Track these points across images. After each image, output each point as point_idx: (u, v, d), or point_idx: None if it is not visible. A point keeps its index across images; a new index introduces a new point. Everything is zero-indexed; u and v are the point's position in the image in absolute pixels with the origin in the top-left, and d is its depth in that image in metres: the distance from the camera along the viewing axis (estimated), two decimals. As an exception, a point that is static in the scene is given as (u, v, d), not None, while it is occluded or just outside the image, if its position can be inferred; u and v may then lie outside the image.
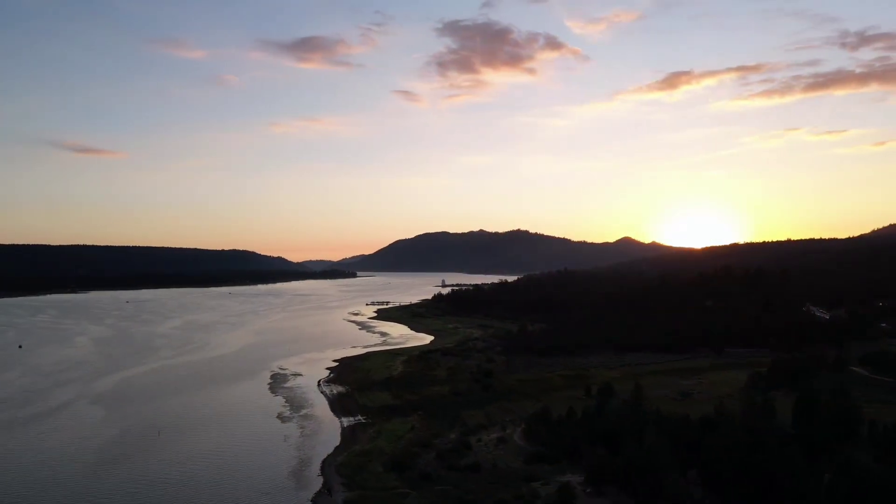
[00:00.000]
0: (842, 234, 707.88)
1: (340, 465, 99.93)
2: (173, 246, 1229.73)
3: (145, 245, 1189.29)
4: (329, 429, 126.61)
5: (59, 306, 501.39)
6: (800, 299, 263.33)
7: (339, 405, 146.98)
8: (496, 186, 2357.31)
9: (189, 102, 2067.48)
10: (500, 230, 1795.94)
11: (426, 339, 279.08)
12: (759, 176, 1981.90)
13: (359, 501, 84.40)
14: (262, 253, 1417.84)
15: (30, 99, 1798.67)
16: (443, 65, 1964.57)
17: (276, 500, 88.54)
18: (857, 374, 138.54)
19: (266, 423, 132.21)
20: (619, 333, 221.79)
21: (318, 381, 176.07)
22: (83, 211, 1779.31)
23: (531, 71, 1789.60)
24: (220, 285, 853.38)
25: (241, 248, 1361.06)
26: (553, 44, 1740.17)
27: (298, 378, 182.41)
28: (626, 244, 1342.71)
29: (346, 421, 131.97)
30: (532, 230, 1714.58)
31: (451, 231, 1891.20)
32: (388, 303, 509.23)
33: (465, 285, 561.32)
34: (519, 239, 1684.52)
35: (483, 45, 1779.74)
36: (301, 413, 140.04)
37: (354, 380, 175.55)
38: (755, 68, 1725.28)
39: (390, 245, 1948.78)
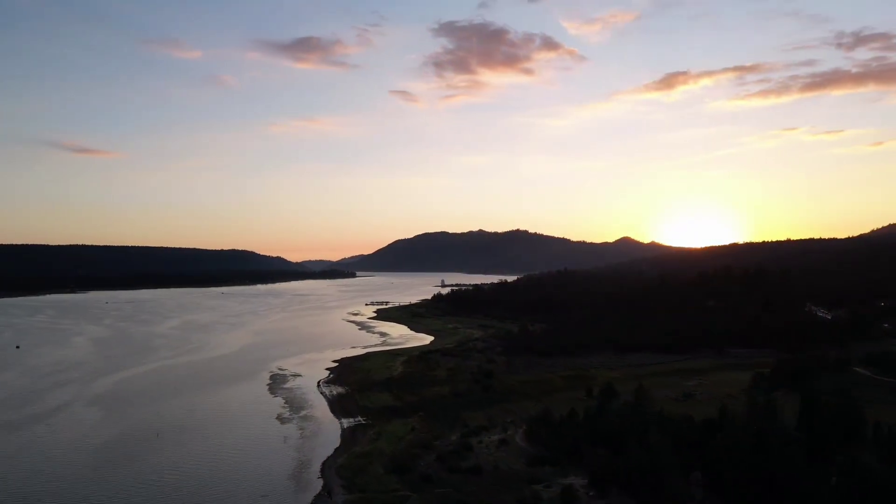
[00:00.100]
0: (840, 234, 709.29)
1: (340, 467, 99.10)
2: (172, 246, 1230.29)
3: (144, 245, 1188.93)
4: (329, 430, 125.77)
5: (57, 306, 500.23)
6: (801, 299, 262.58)
7: (338, 406, 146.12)
8: (495, 186, 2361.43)
9: (187, 102, 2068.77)
10: (500, 230, 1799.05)
11: (426, 339, 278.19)
12: (758, 176, 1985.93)
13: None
14: (262, 253, 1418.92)
15: (27, 99, 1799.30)
16: (439, 65, 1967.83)
17: (275, 502, 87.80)
18: (860, 375, 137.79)
19: (265, 424, 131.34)
20: (620, 333, 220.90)
21: (318, 382, 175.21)
22: (82, 211, 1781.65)
23: (528, 71, 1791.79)
24: (220, 285, 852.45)
25: (240, 248, 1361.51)
26: (550, 44, 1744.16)
27: (298, 379, 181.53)
28: (625, 244, 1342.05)
29: (346, 422, 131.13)
30: (531, 230, 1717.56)
31: (450, 231, 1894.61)
32: (387, 303, 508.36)
33: (464, 285, 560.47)
34: (518, 239, 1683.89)
35: (479, 45, 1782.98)
36: (301, 414, 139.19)
37: (354, 380, 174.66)
38: (752, 68, 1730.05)
39: (389, 245, 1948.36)
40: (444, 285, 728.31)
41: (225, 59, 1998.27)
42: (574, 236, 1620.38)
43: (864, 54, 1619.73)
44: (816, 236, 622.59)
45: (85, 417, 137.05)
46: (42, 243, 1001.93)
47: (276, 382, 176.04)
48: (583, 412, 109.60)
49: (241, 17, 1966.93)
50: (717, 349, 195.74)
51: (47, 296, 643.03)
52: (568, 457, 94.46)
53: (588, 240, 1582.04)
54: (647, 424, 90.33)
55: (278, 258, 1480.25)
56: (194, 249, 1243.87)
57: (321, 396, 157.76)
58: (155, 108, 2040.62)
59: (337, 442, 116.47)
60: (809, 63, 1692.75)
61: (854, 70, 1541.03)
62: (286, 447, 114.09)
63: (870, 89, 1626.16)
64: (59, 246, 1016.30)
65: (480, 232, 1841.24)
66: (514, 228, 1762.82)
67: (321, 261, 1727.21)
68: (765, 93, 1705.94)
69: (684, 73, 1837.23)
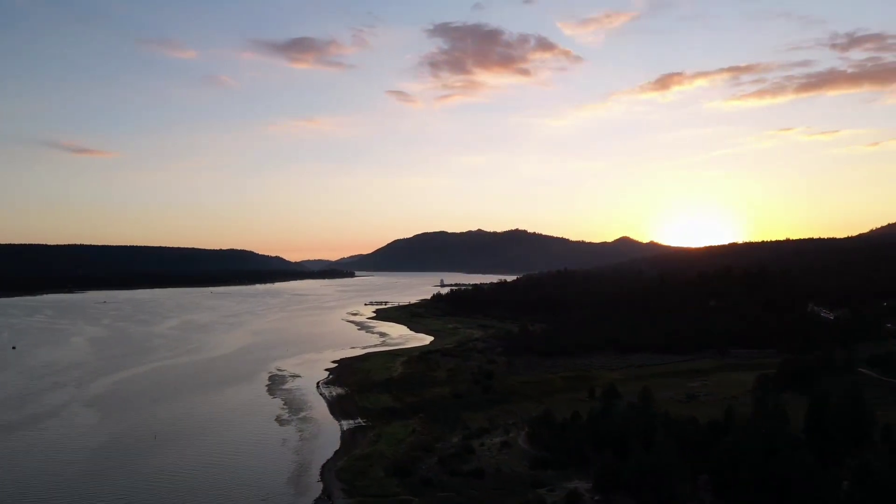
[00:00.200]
0: (838, 234, 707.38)
1: (340, 470, 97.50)
2: (171, 245, 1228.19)
3: (142, 245, 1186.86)
4: (328, 432, 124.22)
5: (55, 306, 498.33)
6: (802, 299, 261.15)
7: (338, 407, 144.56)
8: (494, 186, 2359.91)
9: (185, 103, 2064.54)
10: (499, 230, 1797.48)
11: (426, 339, 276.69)
12: (755, 176, 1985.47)
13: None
14: (260, 253, 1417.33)
15: (25, 99, 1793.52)
16: (435, 65, 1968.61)
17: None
18: (866, 376, 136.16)
19: (264, 425, 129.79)
20: (621, 334, 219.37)
21: (317, 383, 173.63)
22: (80, 211, 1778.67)
23: (524, 72, 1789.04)
24: (219, 285, 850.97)
25: (238, 248, 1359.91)
26: (545, 45, 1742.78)
27: (297, 379, 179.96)
28: (624, 244, 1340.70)
29: (346, 424, 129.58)
30: (530, 230, 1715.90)
31: (449, 231, 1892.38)
32: (386, 303, 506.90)
33: (464, 285, 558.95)
34: (517, 239, 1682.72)
35: (474, 45, 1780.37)
36: (300, 415, 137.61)
37: (354, 381, 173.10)
38: (747, 69, 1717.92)
39: (388, 245, 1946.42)
40: (443, 285, 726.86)
41: (221, 58, 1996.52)
42: (573, 236, 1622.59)
43: (858, 55, 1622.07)
44: (815, 236, 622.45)
45: (81, 419, 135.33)
46: (40, 243, 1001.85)
47: (275, 383, 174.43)
48: (586, 414, 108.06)
49: (235, 17, 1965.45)
50: (719, 349, 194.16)
51: (45, 296, 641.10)
52: (571, 460, 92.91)
53: (587, 239, 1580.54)
54: (652, 427, 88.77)
55: (277, 258, 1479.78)
56: (193, 249, 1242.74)
57: (320, 397, 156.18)
58: (153, 108, 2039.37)
59: (336, 444, 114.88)
60: (804, 63, 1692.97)
61: (850, 70, 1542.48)
62: (285, 449, 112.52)
63: (865, 90, 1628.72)
64: (57, 246, 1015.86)
65: (479, 232, 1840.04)
66: (514, 228, 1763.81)
67: (320, 260, 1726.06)
68: (760, 93, 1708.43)
69: (679, 74, 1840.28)
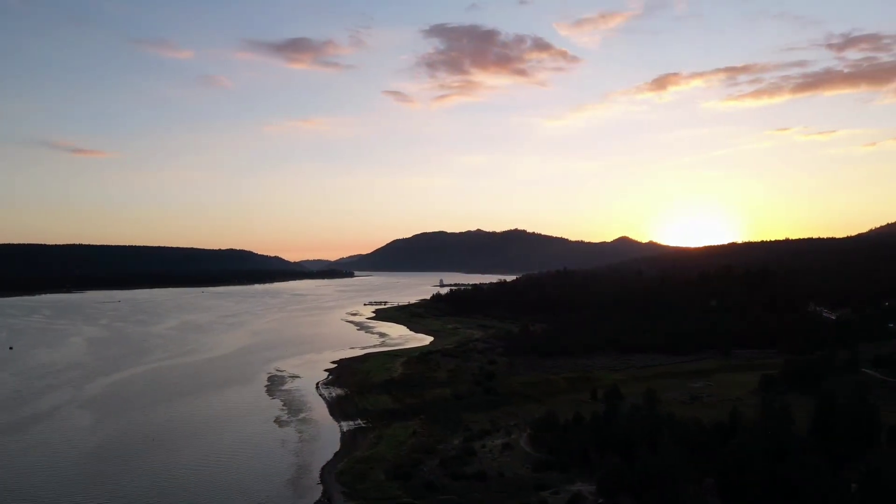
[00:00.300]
0: (836, 234, 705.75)
1: (340, 473, 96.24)
2: (169, 245, 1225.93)
3: (141, 245, 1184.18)
4: (328, 433, 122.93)
5: (53, 306, 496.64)
6: (803, 299, 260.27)
7: (338, 408, 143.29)
8: (493, 186, 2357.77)
9: (181, 103, 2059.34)
10: (498, 230, 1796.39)
11: (425, 339, 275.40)
12: (753, 176, 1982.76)
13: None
14: (259, 253, 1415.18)
15: (22, 100, 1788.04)
16: (432, 65, 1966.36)
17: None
18: (870, 377, 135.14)
19: (263, 427, 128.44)
20: (622, 334, 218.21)
21: (317, 384, 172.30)
22: (77, 211, 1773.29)
23: (521, 72, 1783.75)
24: (218, 285, 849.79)
25: (237, 248, 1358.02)
26: (541, 46, 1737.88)
27: (296, 380, 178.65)
28: (623, 243, 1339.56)
29: (346, 425, 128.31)
30: (529, 230, 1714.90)
31: (448, 231, 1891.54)
32: (386, 303, 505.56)
33: (463, 285, 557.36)
34: (516, 238, 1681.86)
35: (471, 46, 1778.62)
36: (299, 417, 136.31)
37: (353, 382, 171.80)
38: (743, 69, 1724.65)
39: (387, 245, 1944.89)
40: (442, 285, 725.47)
41: (217, 59, 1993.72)
42: (572, 236, 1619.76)
43: (854, 55, 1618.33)
44: (813, 236, 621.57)
45: (76, 421, 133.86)
46: (37, 243, 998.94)
47: (274, 384, 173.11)
48: (588, 415, 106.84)
49: (231, 18, 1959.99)
50: (721, 350, 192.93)
51: (44, 295, 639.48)
52: (575, 462, 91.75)
53: (586, 239, 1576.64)
54: (657, 429, 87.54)
55: (276, 258, 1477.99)
56: (192, 249, 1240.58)
57: (320, 398, 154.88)
58: (150, 109, 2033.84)
59: (336, 446, 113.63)
60: (801, 64, 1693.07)
61: (846, 70, 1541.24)
62: (284, 451, 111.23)
63: (862, 90, 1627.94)
64: (55, 245, 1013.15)
65: (479, 231, 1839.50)
66: (513, 228, 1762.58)
67: (319, 260, 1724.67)
68: (757, 93, 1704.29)
69: (676, 75, 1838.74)
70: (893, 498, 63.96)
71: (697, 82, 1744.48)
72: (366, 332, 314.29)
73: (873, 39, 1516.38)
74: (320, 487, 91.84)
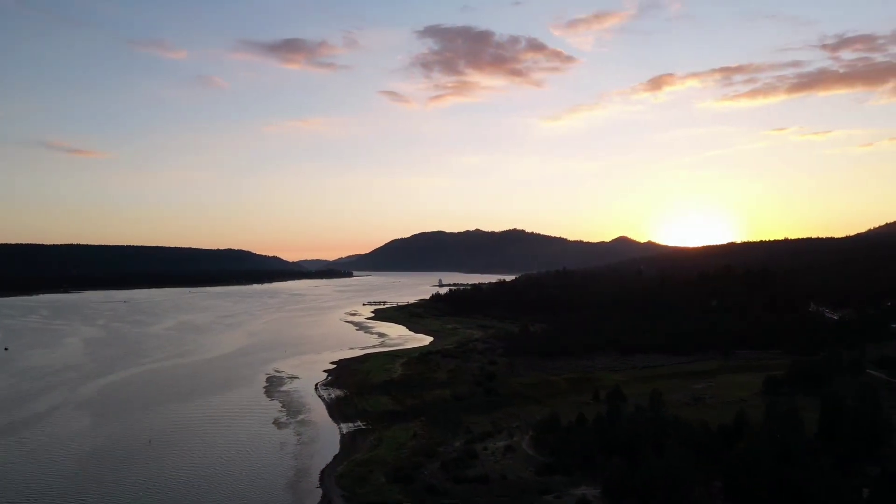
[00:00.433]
0: (834, 234, 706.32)
1: (340, 476, 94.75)
2: (167, 245, 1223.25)
3: (139, 245, 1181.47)
4: (327, 435, 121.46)
5: (51, 306, 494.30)
6: (804, 299, 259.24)
7: (337, 410, 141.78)
8: (491, 186, 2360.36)
9: (177, 103, 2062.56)
10: (497, 230, 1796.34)
11: (425, 340, 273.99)
12: (750, 176, 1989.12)
13: (361, 516, 79.34)
14: (258, 252, 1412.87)
15: (20, 100, 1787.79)
16: (426, 66, 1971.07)
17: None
18: (876, 378, 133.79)
19: (262, 429, 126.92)
20: (623, 334, 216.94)
21: (316, 385, 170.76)
22: (75, 211, 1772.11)
23: (516, 72, 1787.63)
24: (216, 285, 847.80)
25: (236, 248, 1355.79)
26: (536, 46, 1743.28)
27: (295, 381, 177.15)
28: (622, 243, 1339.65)
29: (345, 427, 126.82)
30: (528, 230, 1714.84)
31: (447, 230, 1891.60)
32: (385, 303, 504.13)
33: (462, 285, 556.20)
34: (515, 238, 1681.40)
35: (465, 46, 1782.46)
36: (298, 418, 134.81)
37: (353, 383, 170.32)
38: (738, 69, 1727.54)
39: (386, 245, 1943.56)
40: (441, 285, 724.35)
41: (212, 59, 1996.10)
42: (571, 236, 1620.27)
43: (849, 55, 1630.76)
44: (811, 236, 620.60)
45: (73, 423, 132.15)
46: (35, 243, 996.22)
47: (273, 385, 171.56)
48: (591, 417, 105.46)
49: (225, 18, 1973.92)
50: (722, 350, 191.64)
51: (41, 296, 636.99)
52: (579, 465, 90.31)
53: (585, 239, 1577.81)
54: (662, 431, 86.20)
55: (274, 258, 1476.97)
56: (190, 249, 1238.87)
57: (319, 400, 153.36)
58: (146, 109, 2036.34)
59: (336, 448, 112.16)
60: (795, 64, 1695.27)
61: (841, 71, 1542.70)
62: (283, 454, 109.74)
63: (856, 90, 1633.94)
64: (52, 245, 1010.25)
65: (477, 231, 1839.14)
66: (511, 228, 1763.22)
67: (318, 260, 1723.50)
68: (752, 93, 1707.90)
69: (671, 75, 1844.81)
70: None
71: (693, 82, 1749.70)
72: (365, 332, 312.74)
73: (868, 40, 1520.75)
74: (319, 491, 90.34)
